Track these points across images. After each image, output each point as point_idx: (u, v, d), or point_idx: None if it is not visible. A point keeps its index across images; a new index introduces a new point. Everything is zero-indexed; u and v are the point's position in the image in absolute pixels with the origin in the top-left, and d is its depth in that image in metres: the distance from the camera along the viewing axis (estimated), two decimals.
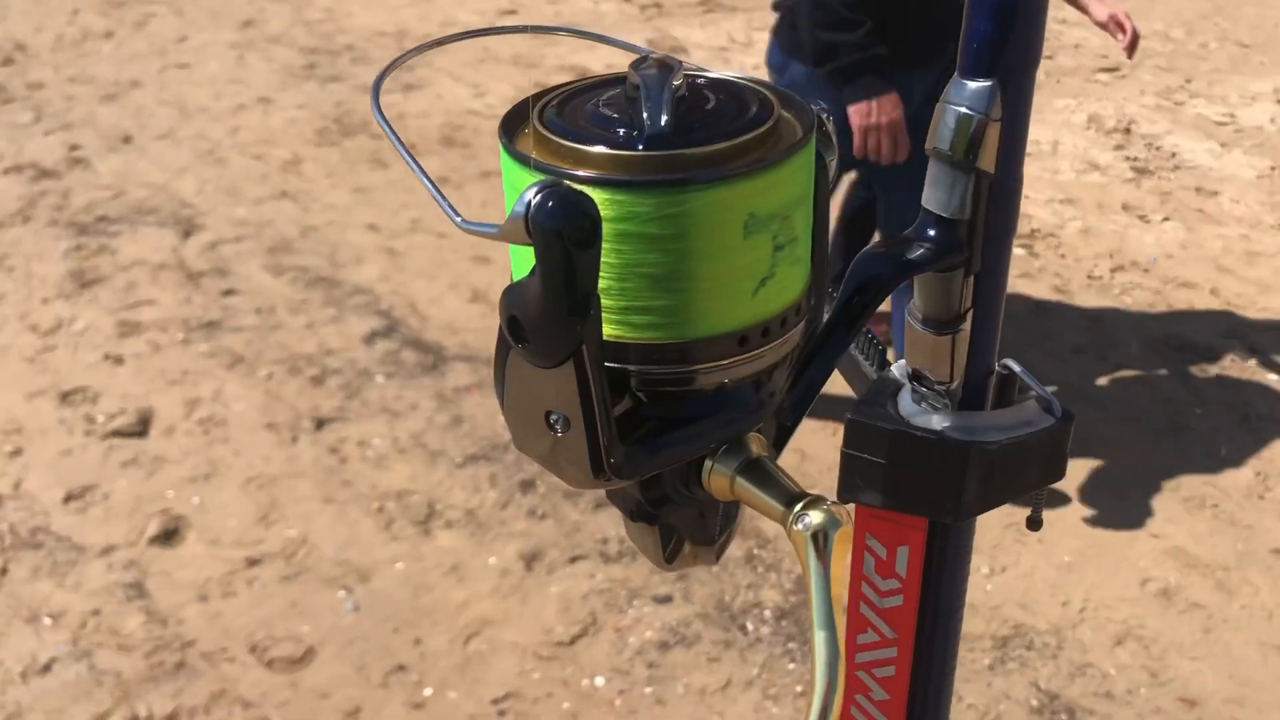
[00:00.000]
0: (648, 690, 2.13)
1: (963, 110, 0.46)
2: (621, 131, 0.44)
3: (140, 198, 4.01)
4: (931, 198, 0.48)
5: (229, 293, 3.41)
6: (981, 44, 0.46)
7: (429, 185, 0.43)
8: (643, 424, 0.46)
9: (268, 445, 2.74)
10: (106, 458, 2.69)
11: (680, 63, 0.45)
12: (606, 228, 0.41)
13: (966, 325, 0.49)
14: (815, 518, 0.44)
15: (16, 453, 2.70)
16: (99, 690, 2.09)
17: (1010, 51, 0.46)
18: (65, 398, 2.89)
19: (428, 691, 2.11)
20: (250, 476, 2.64)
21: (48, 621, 2.24)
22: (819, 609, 0.42)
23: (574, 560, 2.43)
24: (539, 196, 0.39)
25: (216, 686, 2.10)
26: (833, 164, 0.48)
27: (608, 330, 0.44)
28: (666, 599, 2.34)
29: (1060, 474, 0.53)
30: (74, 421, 2.80)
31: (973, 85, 0.46)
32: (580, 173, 0.43)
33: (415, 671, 2.15)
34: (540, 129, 0.46)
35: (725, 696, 2.12)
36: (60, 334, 3.16)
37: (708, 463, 0.48)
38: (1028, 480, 0.52)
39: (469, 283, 3.51)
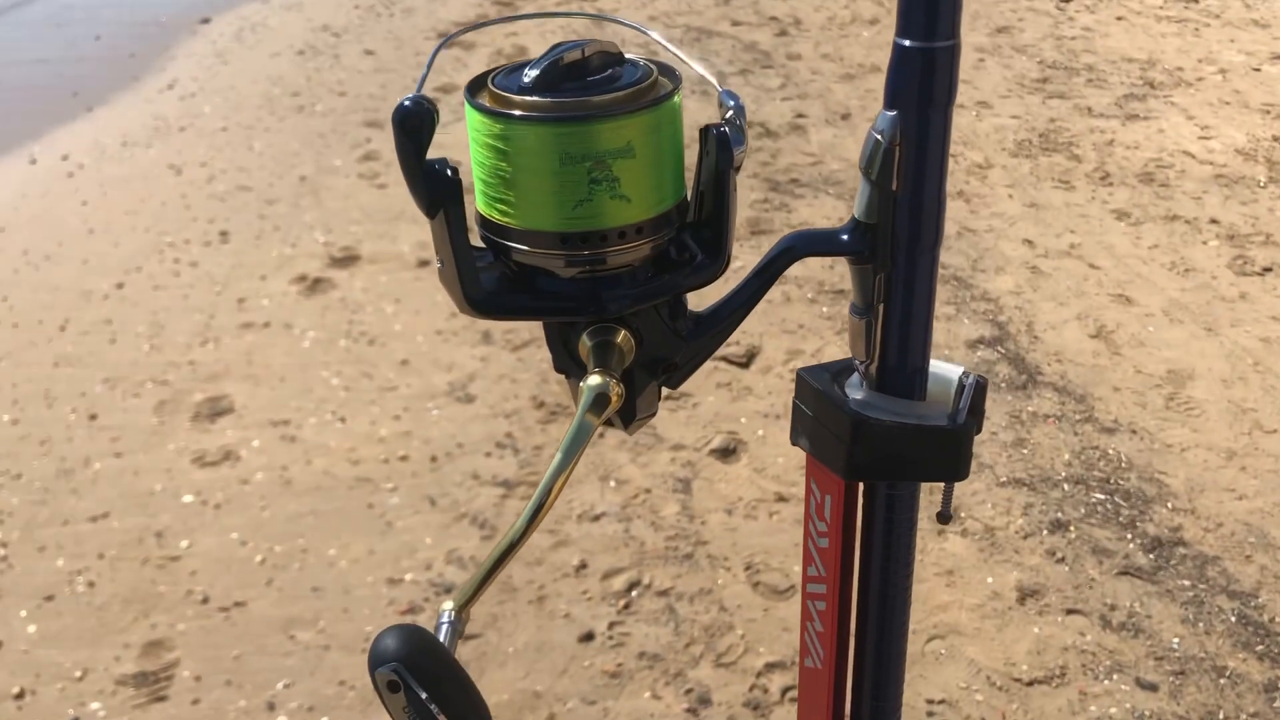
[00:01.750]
0: None
1: (875, 136, 0.50)
2: (509, 82, 0.60)
3: (833, 170, 4.42)
4: (856, 203, 0.53)
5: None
6: (892, 81, 0.53)
7: None
8: (505, 282, 0.62)
9: None
10: (710, 377, 3.10)
11: (589, 43, 0.56)
12: (481, 139, 0.59)
13: (880, 316, 0.52)
14: (593, 380, 0.58)
15: None
16: (625, 549, 2.50)
17: (912, 90, 0.49)
18: None
19: None
20: None
21: (613, 484, 2.70)
22: (565, 444, 0.56)
23: (1071, 613, 2.34)
24: (400, 109, 0.58)
25: (708, 583, 2.40)
26: (739, 152, 0.59)
27: (485, 210, 0.61)
28: (1151, 686, 2.17)
29: (958, 474, 0.53)
30: None
31: (885, 115, 0.52)
32: (474, 99, 0.60)
33: None
34: (489, 81, 0.62)
35: None
36: None
37: (581, 335, 0.62)
38: (921, 468, 0.53)
39: (1099, 318, 3.39)
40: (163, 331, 3.34)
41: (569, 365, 0.64)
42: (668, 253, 0.61)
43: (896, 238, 0.55)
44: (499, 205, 0.59)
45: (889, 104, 0.53)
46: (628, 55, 0.60)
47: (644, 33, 0.67)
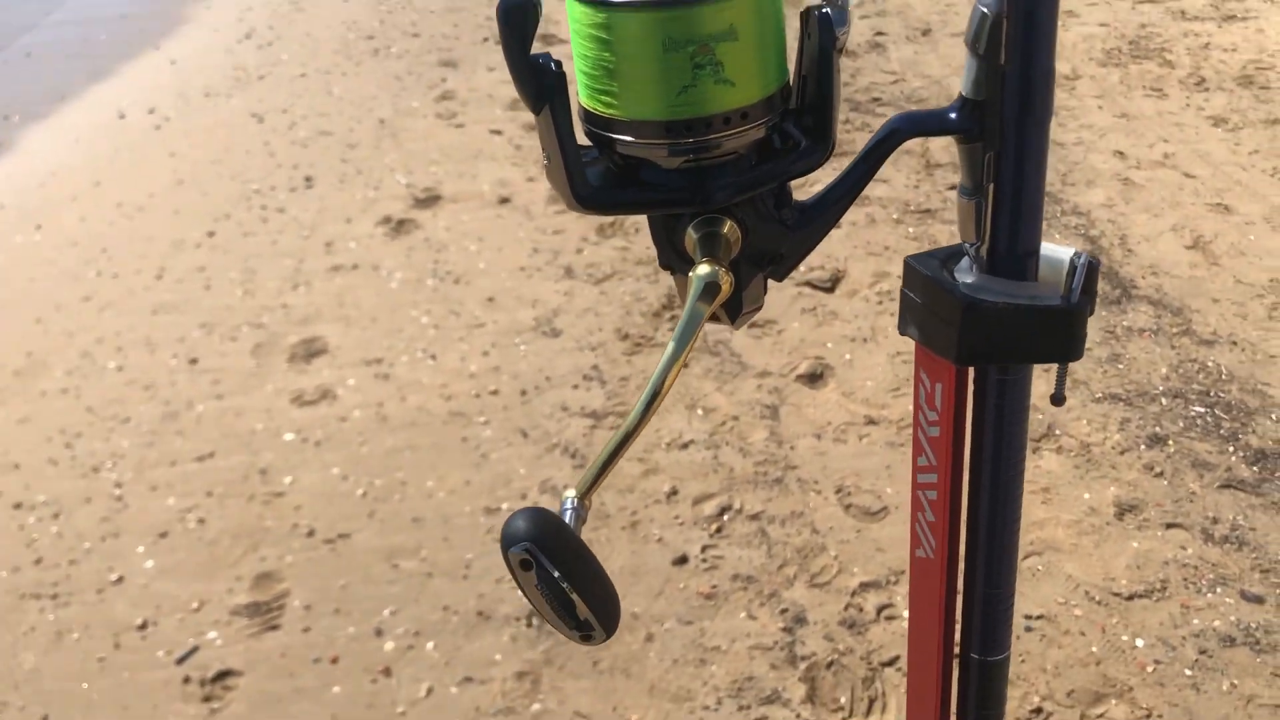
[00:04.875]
0: (1187, 672, 2.00)
1: (981, 9, 0.49)
2: None
3: (915, 87, 4.32)
4: (963, 80, 0.51)
5: (955, 187, 3.60)
6: None
7: None
8: (611, 177, 0.62)
9: None
10: (794, 303, 3.09)
11: None
12: (583, 30, 0.58)
13: (990, 196, 0.51)
14: (702, 269, 0.59)
15: None
16: (714, 475, 2.52)
17: None
18: None
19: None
20: (897, 351, 2.87)
21: (700, 413, 2.71)
22: (676, 334, 0.57)
23: (1171, 526, 2.31)
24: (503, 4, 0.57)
25: (799, 506, 2.41)
26: (842, 32, 0.58)
27: (589, 103, 0.61)
28: (1258, 599, 2.13)
29: (1071, 355, 0.52)
30: None
31: None
32: None
33: None
34: None
35: (1276, 716, 1.92)
36: None
37: (687, 227, 0.62)
38: (1035, 349, 0.53)
39: (1196, 229, 3.29)
40: (254, 277, 3.42)
41: (674, 260, 0.64)
42: (771, 140, 0.61)
43: (1006, 113, 0.54)
44: (603, 97, 0.59)
45: None
46: None
47: None
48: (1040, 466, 2.48)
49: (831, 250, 3.28)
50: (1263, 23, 4.73)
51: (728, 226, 0.60)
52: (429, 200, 3.78)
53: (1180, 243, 3.25)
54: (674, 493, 2.48)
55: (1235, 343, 2.83)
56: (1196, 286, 3.06)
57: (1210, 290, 3.04)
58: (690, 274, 0.60)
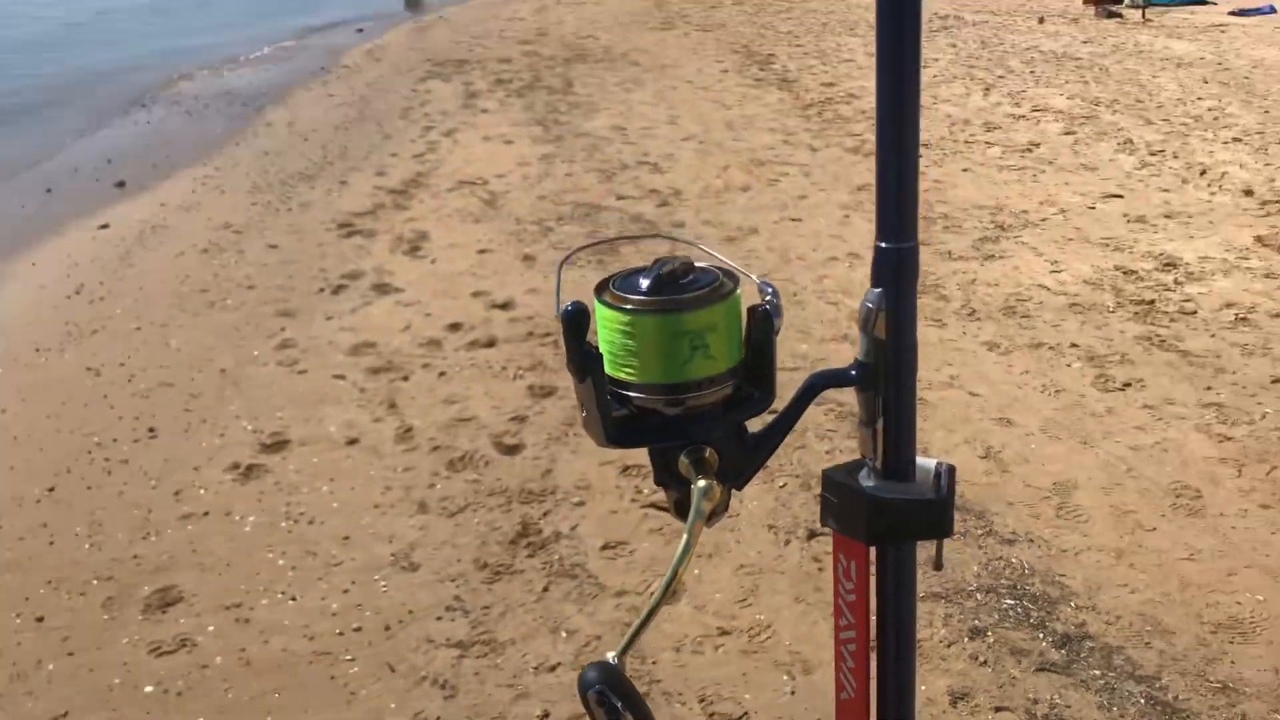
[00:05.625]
0: None
1: (867, 304, 0.76)
2: (627, 285, 0.84)
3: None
4: (859, 350, 0.78)
5: (772, 413, 3.95)
6: (875, 268, 0.79)
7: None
8: (629, 421, 0.84)
9: (764, 542, 3.19)
10: (641, 523, 3.30)
11: (679, 259, 0.80)
12: (614, 326, 0.81)
13: (879, 426, 0.77)
14: (702, 482, 0.81)
15: None
16: None
17: (889, 275, 0.75)
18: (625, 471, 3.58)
19: None
20: (744, 564, 3.10)
21: (564, 635, 2.85)
22: (686, 530, 0.78)
23: (999, 710, 2.56)
24: (566, 312, 0.80)
25: (665, 719, 2.55)
26: (778, 322, 0.84)
27: (613, 372, 0.83)
28: None
29: (945, 532, 0.77)
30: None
31: (872, 291, 0.78)
32: (603, 299, 0.83)
33: None
34: (609, 284, 0.85)
35: None
36: None
37: (680, 454, 0.84)
38: (920, 529, 0.77)
39: (985, 441, 3.72)
40: (101, 529, 3.40)
41: (667, 480, 0.86)
42: (734, 395, 0.84)
43: (888, 372, 0.79)
44: (625, 369, 0.82)
45: (874, 283, 0.78)
46: (697, 264, 0.85)
47: (701, 247, 0.93)
48: None
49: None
50: (1017, 261, 5.45)
51: (709, 452, 0.82)
52: (277, 445, 3.86)
53: (975, 453, 3.67)
54: (545, 716, 2.58)
55: (1032, 540, 3.19)
56: (993, 492, 3.44)
57: (1005, 495, 3.43)
58: (693, 486, 0.82)
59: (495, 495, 3.50)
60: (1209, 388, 4.07)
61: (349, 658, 2.80)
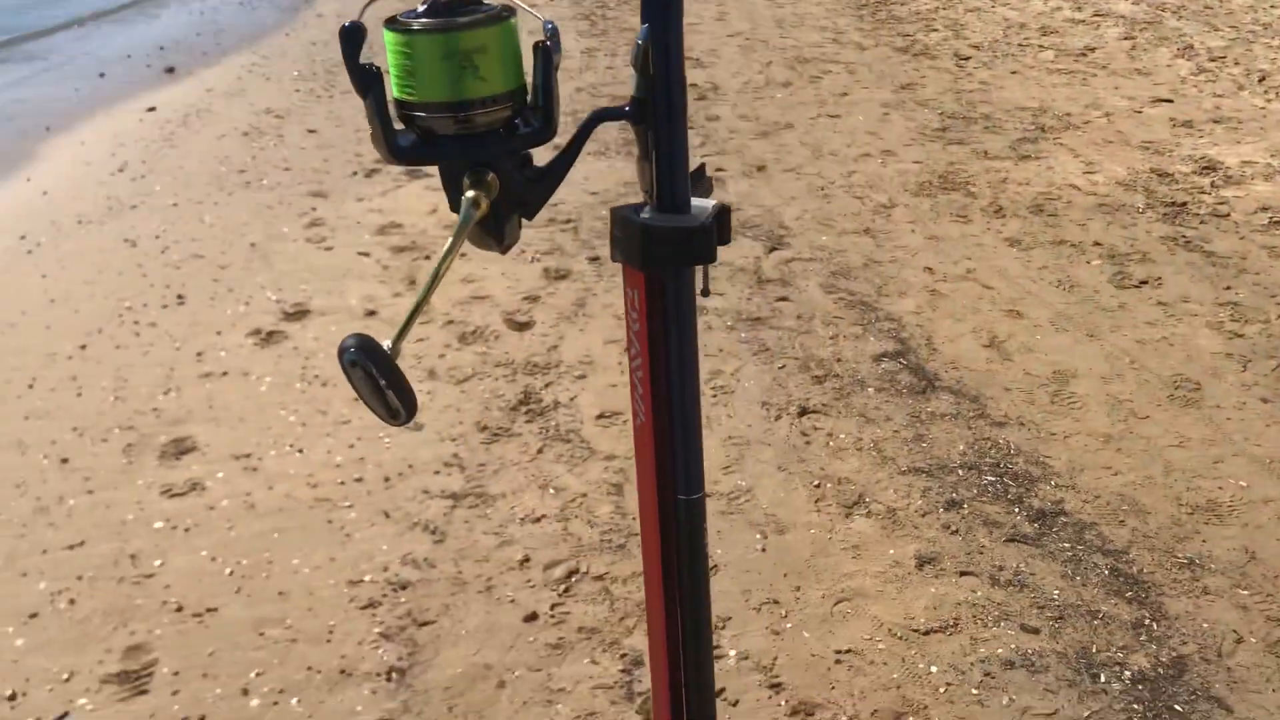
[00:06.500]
0: (974, 691, 2.29)
1: (638, 42, 0.81)
2: (409, 14, 0.89)
3: (750, 215, 4.77)
4: (634, 87, 0.83)
5: (782, 299, 4.00)
6: (644, 7, 0.83)
7: None
8: (413, 141, 0.90)
9: (756, 416, 3.26)
10: None
11: None
12: (396, 48, 0.87)
13: (654, 160, 0.83)
14: (470, 193, 0.87)
15: (581, 376, 3.52)
16: (563, 544, 2.75)
17: (657, 9, 0.81)
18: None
19: (788, 625, 2.47)
20: (735, 435, 3.18)
21: (552, 491, 2.96)
22: (456, 231, 0.83)
23: (964, 574, 2.63)
24: (343, 28, 0.86)
25: (640, 568, 2.65)
26: (557, 57, 0.88)
27: (399, 93, 0.89)
28: (1034, 630, 2.45)
29: (710, 258, 0.83)
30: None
31: (642, 28, 0.82)
32: (389, 26, 0.88)
33: (785, 608, 2.52)
34: (396, 17, 0.90)
35: None
36: None
37: (463, 176, 0.90)
38: (688, 256, 0.83)
39: (992, 331, 3.73)
40: (126, 385, 3.57)
41: (458, 200, 0.93)
42: (516, 125, 0.90)
43: (656, 106, 0.84)
44: (407, 88, 0.88)
45: (644, 20, 0.83)
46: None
47: None
48: (852, 528, 2.79)
49: None
50: (1052, 162, 5.37)
51: (490, 176, 0.89)
52: (298, 314, 4.00)
53: (978, 342, 3.68)
54: (526, 560, 2.70)
55: (1023, 424, 3.22)
56: (991, 378, 3.47)
57: (1003, 381, 3.45)
58: (462, 197, 0.89)
59: (501, 366, 3.60)
60: (1228, 287, 4.03)
61: (347, 504, 2.94)
